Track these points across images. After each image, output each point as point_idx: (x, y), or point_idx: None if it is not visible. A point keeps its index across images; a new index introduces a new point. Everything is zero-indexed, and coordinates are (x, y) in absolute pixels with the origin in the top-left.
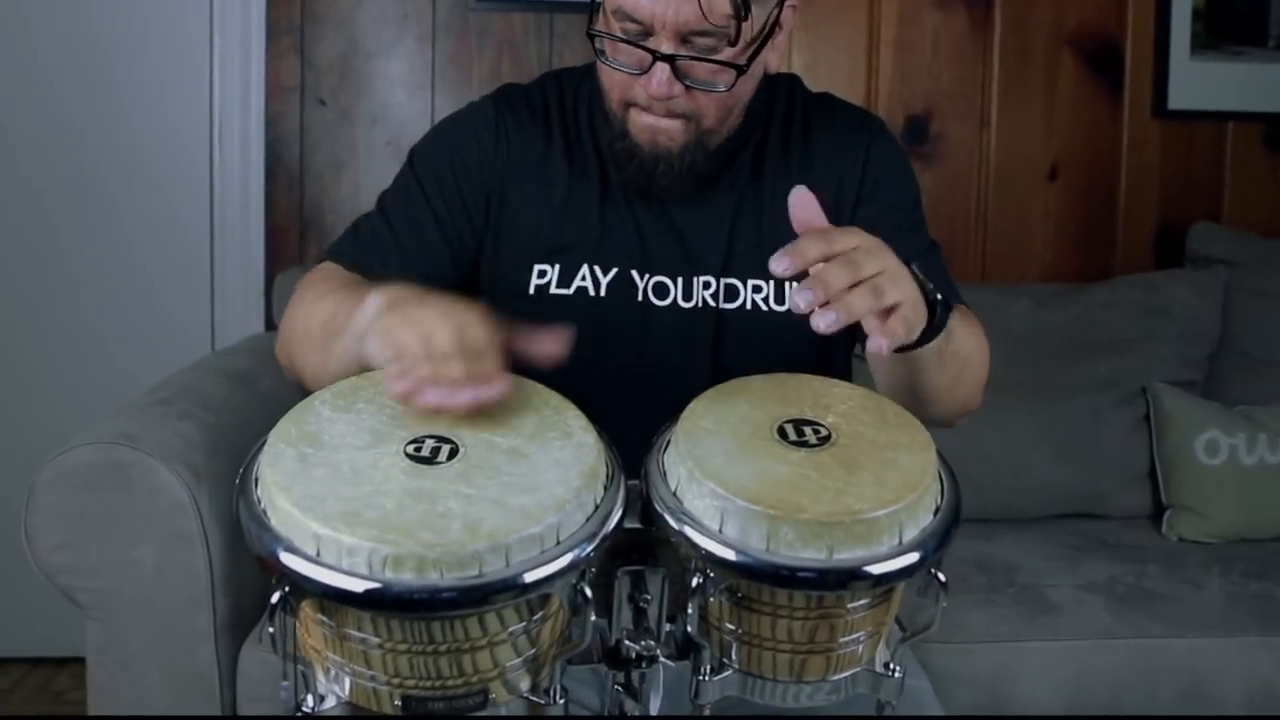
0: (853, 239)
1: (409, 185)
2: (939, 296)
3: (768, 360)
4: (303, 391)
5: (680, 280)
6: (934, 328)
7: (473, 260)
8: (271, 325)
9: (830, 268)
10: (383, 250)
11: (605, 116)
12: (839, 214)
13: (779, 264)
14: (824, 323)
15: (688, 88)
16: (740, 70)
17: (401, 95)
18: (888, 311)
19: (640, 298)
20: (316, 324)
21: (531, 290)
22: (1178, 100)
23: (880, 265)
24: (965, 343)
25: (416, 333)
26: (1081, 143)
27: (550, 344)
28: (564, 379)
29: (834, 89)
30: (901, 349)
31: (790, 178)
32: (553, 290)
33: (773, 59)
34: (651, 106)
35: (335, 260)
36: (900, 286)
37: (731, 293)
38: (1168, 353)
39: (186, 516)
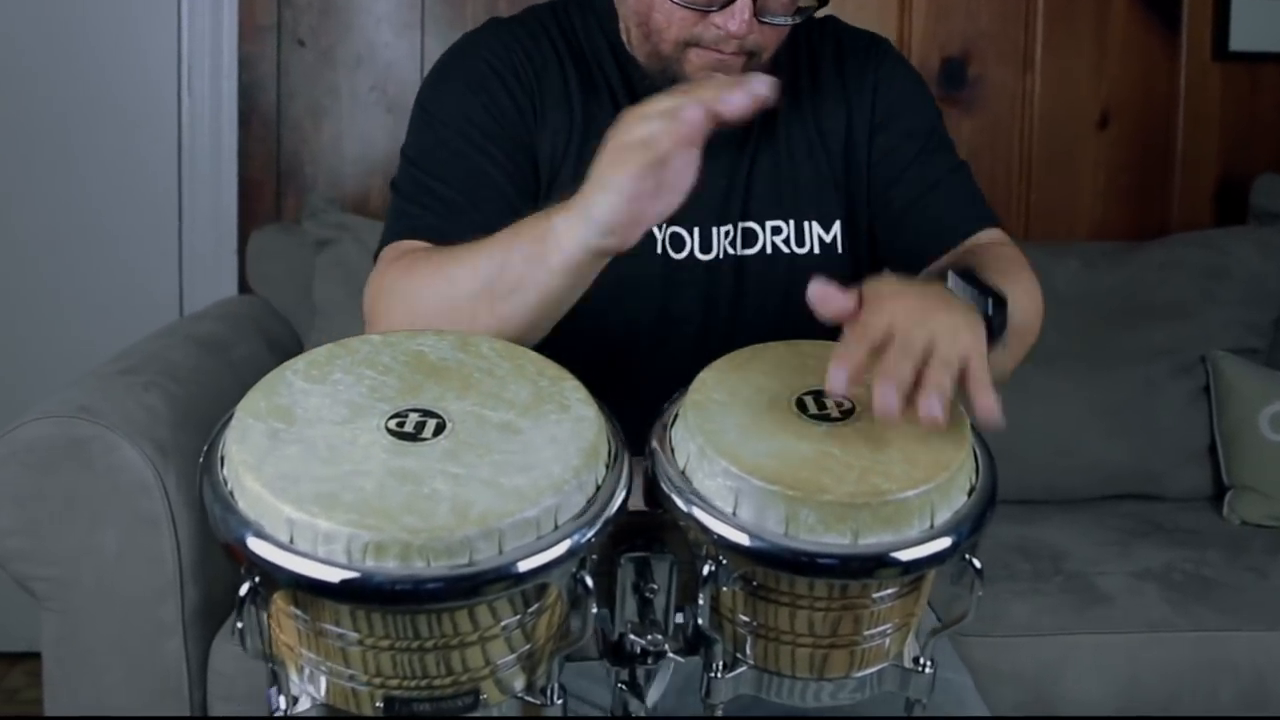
0: (881, 314)
1: (448, 139)
2: (989, 308)
3: (791, 307)
4: (283, 361)
5: (697, 231)
6: (994, 337)
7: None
8: (245, 287)
9: (889, 362)
10: (461, 215)
11: (611, 54)
12: (853, 148)
13: (838, 383)
14: (934, 411)
15: (760, 22)
16: (822, 2)
17: (388, 34)
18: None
19: (659, 250)
20: (468, 291)
21: None
22: (1240, 40)
23: (928, 330)
24: (1020, 310)
25: (627, 127)
26: (1135, 87)
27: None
28: (579, 343)
29: (862, 25)
30: None
31: (801, 110)
32: None
33: None
34: (720, 44)
35: (415, 238)
36: (957, 340)
37: (749, 237)
38: (1229, 317)
39: (152, 497)
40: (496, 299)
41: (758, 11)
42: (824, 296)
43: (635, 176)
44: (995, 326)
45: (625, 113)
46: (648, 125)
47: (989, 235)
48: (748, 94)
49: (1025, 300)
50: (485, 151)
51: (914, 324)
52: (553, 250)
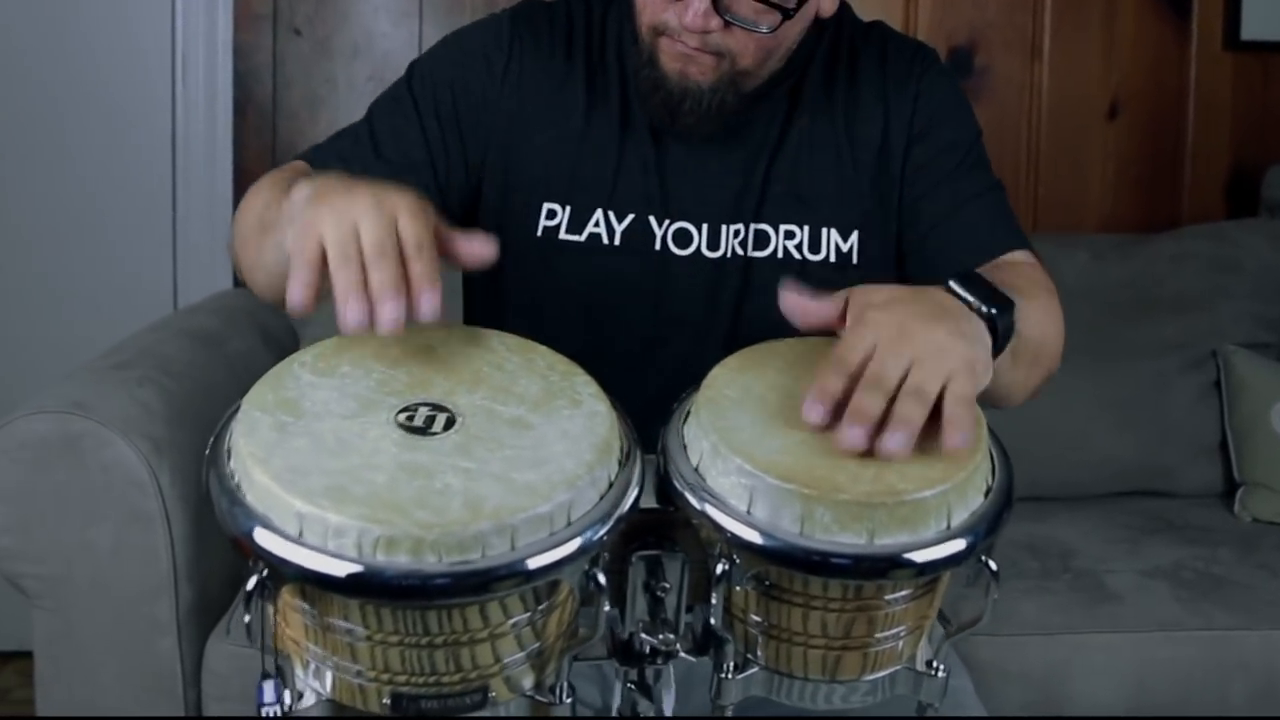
0: (863, 336)
1: (401, 95)
2: (993, 310)
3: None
4: (279, 355)
5: (706, 227)
6: (999, 342)
7: (462, 193)
8: (241, 280)
9: (860, 398)
10: (359, 157)
11: (635, 40)
12: (888, 156)
13: (815, 415)
14: (894, 446)
15: (726, 23)
16: (787, 14)
17: (385, 24)
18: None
19: (658, 247)
20: (253, 217)
21: (539, 232)
22: (1252, 30)
23: (906, 358)
24: (1036, 325)
25: (338, 227)
26: (1145, 77)
27: (478, 246)
28: (573, 338)
29: (867, 16)
30: None
31: (833, 114)
32: (563, 235)
33: (826, 3)
34: (683, 37)
35: (306, 161)
36: (939, 364)
37: (761, 240)
38: (1241, 311)
39: (146, 494)
40: (262, 231)
41: (720, 9)
42: (796, 309)
43: (291, 254)
44: (1000, 331)
45: (388, 192)
46: (340, 242)
47: (1018, 258)
48: (357, 315)
49: (1040, 317)
50: (422, 118)
51: (893, 348)
52: (285, 213)
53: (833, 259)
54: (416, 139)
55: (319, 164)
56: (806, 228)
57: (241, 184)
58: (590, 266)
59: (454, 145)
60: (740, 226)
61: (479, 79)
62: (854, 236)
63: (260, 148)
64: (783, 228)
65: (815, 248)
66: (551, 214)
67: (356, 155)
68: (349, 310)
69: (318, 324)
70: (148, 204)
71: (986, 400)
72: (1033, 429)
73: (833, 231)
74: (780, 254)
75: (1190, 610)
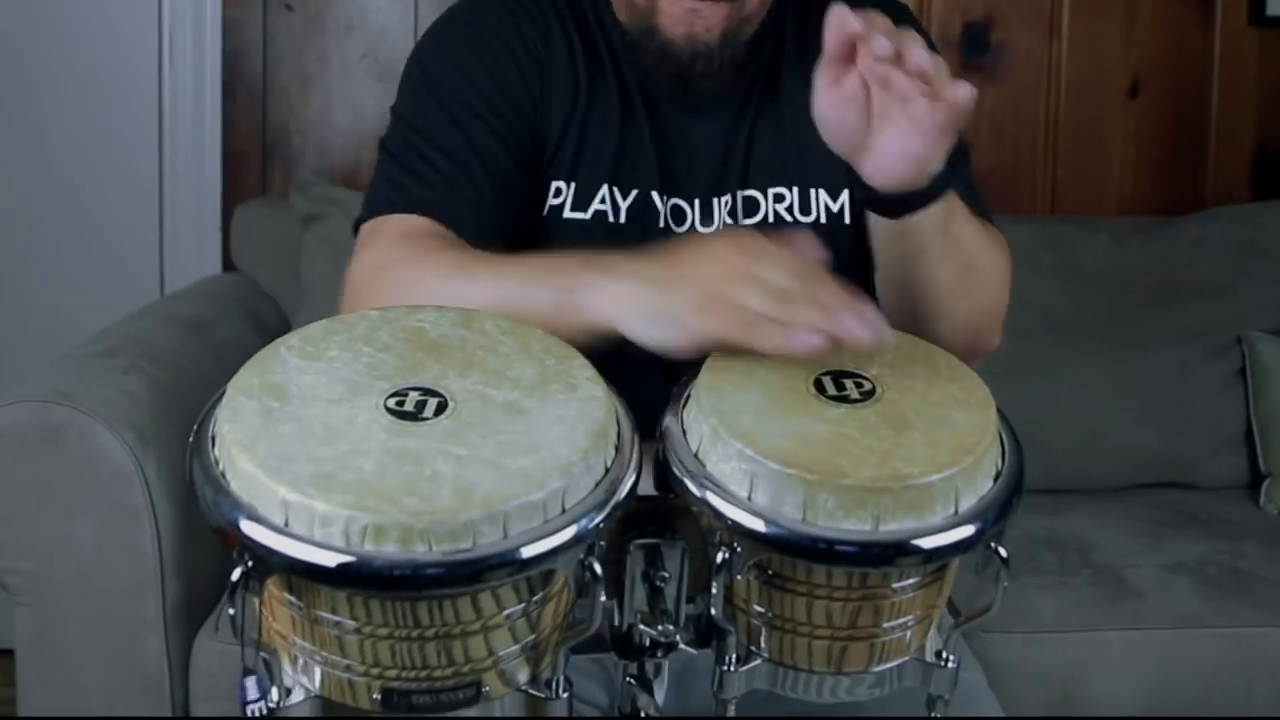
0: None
1: (450, 106)
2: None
3: None
4: (269, 342)
5: (698, 203)
6: (934, 188)
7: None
8: (229, 265)
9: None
10: (460, 191)
11: (612, 18)
12: None
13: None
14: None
15: None
16: None
17: None
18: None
19: (662, 224)
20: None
21: (545, 210)
22: (1279, 4)
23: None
24: (973, 239)
25: (736, 283)
26: (1167, 54)
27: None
28: None
29: None
30: (900, 210)
31: (808, 75)
32: (567, 213)
33: None
34: None
35: (412, 212)
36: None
37: (751, 206)
38: (1266, 296)
39: (131, 486)
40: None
41: None
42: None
43: (714, 338)
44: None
45: (746, 242)
46: (764, 299)
47: None
48: (874, 335)
49: (987, 244)
50: (487, 123)
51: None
52: (580, 312)
53: (824, 220)
54: (490, 142)
55: (421, 209)
56: (795, 189)
57: (230, 165)
58: (595, 245)
59: (519, 126)
60: (729, 197)
61: (508, 62)
62: (844, 196)
63: (250, 128)
64: (771, 191)
65: (806, 209)
66: (557, 191)
67: (447, 190)
68: (852, 327)
69: (311, 309)
70: (133, 186)
71: (918, 307)
72: (1051, 419)
73: (822, 193)
74: (771, 219)
75: (1214, 607)
